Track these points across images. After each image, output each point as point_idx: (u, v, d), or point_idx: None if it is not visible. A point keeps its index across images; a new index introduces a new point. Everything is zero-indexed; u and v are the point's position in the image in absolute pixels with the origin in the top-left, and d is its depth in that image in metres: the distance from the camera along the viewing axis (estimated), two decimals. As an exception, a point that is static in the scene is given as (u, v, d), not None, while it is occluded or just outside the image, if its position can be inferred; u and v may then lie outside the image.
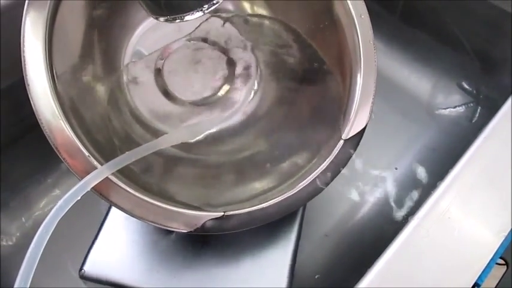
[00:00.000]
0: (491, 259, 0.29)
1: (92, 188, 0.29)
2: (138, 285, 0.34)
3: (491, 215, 0.31)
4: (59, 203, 0.27)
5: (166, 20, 0.30)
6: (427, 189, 0.43)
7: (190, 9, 0.29)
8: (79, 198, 0.27)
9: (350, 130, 0.33)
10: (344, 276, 0.47)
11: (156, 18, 0.30)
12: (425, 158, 0.52)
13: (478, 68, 0.52)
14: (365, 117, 0.34)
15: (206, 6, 0.28)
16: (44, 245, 0.26)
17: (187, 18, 0.29)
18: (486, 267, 0.28)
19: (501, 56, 0.50)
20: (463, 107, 0.54)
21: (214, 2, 0.28)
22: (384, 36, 0.56)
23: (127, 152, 0.30)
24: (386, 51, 0.56)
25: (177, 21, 0.30)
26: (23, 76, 0.30)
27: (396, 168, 0.51)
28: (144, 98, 0.39)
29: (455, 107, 0.53)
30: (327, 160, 0.33)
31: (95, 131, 0.34)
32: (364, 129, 0.34)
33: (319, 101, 0.38)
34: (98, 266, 0.35)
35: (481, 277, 0.28)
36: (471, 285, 0.28)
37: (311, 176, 0.32)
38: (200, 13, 0.29)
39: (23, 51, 0.30)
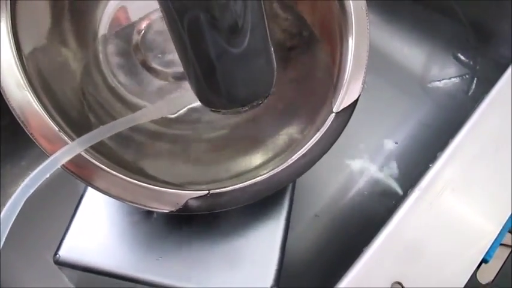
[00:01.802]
0: (499, 233, 0.27)
1: (63, 165, 0.27)
2: (118, 271, 0.32)
3: (497, 188, 0.29)
4: (24, 182, 0.25)
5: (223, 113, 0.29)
6: (421, 166, 0.41)
7: (248, 103, 0.28)
8: (47, 176, 0.25)
9: (341, 102, 0.32)
10: (335, 256, 0.46)
11: (212, 110, 0.29)
12: (418, 133, 0.50)
13: (474, 39, 0.50)
14: (357, 89, 0.32)
15: (261, 100, 0.28)
16: (9, 227, 0.24)
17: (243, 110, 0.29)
18: (494, 242, 0.26)
19: (498, 26, 0.48)
20: (459, 78, 0.52)
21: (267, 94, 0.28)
22: (376, 6, 0.54)
23: (101, 127, 0.28)
24: (377, 21, 0.55)
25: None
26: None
27: (396, 143, 0.49)
28: (122, 70, 0.37)
29: (450, 78, 0.52)
30: (316, 135, 0.31)
31: (67, 106, 0.32)
32: (356, 101, 0.32)
33: (308, 71, 0.37)
34: (74, 251, 0.33)
35: (489, 252, 0.26)
36: (479, 261, 0.26)
37: (300, 151, 0.30)
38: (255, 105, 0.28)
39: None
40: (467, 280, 0.26)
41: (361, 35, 0.33)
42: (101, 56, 0.37)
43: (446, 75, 0.53)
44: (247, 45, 0.25)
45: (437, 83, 0.52)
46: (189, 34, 0.24)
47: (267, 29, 0.26)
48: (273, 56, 0.28)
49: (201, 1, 0.22)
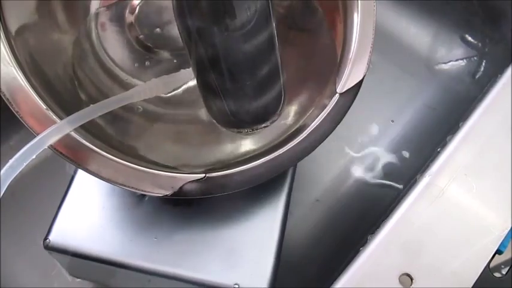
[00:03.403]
0: (515, 221, 0.25)
1: (52, 146, 0.26)
2: (109, 257, 0.31)
3: (510, 173, 0.28)
4: (9, 163, 0.23)
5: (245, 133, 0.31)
6: (426, 150, 0.40)
7: (264, 121, 0.30)
8: (34, 157, 0.24)
9: (346, 83, 0.30)
10: (335, 242, 0.45)
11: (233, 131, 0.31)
12: (424, 116, 0.49)
13: (482, 20, 0.49)
14: (362, 68, 0.31)
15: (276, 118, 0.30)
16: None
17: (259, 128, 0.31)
18: (510, 231, 0.25)
19: (508, 7, 0.46)
20: (466, 60, 0.50)
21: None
22: (381, -15, 0.52)
23: (92, 105, 0.27)
24: (385, 1, 0.52)
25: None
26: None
27: (392, 121, 0.48)
28: (115, 48, 0.36)
29: (457, 60, 0.50)
30: (319, 116, 0.30)
31: (57, 85, 0.31)
32: (361, 82, 0.30)
33: (311, 51, 0.35)
34: (65, 236, 0.32)
35: (503, 243, 0.25)
36: (493, 252, 0.25)
37: (303, 133, 0.29)
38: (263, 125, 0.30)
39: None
40: (480, 272, 0.24)
41: (367, 11, 0.31)
42: (93, 32, 0.36)
43: (453, 56, 0.51)
44: (259, 71, 0.26)
45: (443, 65, 0.51)
46: (210, 61, 0.25)
47: (279, 55, 0.27)
48: (283, 81, 0.29)
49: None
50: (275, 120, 0.30)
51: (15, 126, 0.46)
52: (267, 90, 0.28)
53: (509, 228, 0.25)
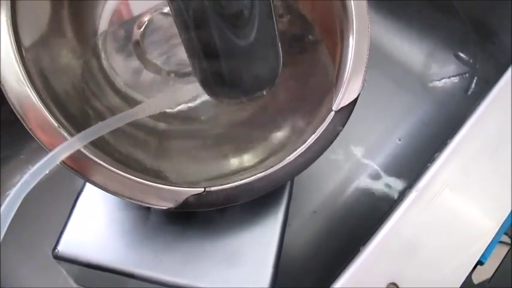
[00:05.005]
0: (496, 235, 0.27)
1: (62, 161, 0.27)
2: (116, 266, 0.32)
3: (494, 189, 0.29)
4: (24, 177, 0.25)
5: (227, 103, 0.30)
6: (420, 164, 0.41)
7: (252, 93, 0.28)
8: (47, 172, 0.25)
9: (341, 101, 0.31)
10: (332, 254, 0.46)
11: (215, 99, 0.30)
12: (418, 131, 0.50)
13: (474, 37, 0.50)
14: (357, 87, 0.32)
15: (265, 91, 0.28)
16: (9, 222, 0.24)
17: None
18: (490, 244, 0.26)
19: (498, 25, 0.48)
20: (458, 77, 0.52)
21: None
22: (375, 3, 0.54)
23: (100, 123, 0.28)
24: (378, 19, 0.54)
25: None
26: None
27: (400, 140, 0.49)
28: (122, 66, 0.37)
29: (450, 77, 0.52)
30: (316, 132, 0.31)
31: (67, 102, 0.32)
32: (356, 100, 0.32)
33: (308, 70, 0.36)
34: (73, 246, 0.33)
35: (484, 254, 0.26)
36: (474, 264, 0.26)
37: (300, 149, 0.30)
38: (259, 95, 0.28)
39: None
40: (462, 282, 0.26)
41: (362, 33, 0.32)
42: (101, 51, 0.37)
43: (446, 73, 0.52)
44: (253, 34, 0.25)
45: (437, 83, 0.52)
46: (195, 21, 0.24)
47: (275, 19, 0.26)
48: (280, 48, 0.27)
49: None
50: (270, 89, 0.28)
51: (25, 141, 0.48)
52: (262, 53, 0.27)
53: (490, 240, 0.27)
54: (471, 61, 0.51)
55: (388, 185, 0.48)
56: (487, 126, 0.32)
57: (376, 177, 0.49)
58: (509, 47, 0.47)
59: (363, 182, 0.49)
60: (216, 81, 0.27)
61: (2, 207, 0.24)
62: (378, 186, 0.48)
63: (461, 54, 0.52)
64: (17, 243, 0.42)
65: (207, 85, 0.28)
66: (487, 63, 0.50)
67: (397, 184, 0.48)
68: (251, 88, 0.28)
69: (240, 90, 0.28)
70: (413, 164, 0.48)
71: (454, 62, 0.52)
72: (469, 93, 0.51)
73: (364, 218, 0.47)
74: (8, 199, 0.24)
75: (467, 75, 0.51)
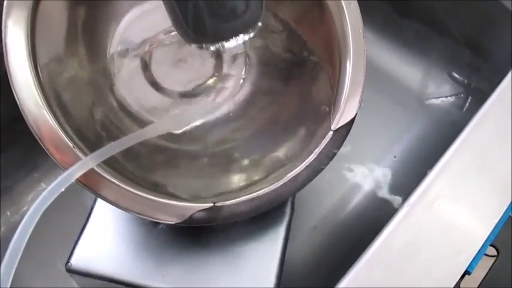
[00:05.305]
0: (482, 246, 0.28)
1: (77, 179, 0.28)
2: (126, 279, 0.34)
3: (481, 202, 0.31)
4: (42, 195, 0.26)
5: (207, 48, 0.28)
6: (418, 181, 0.43)
7: (233, 35, 0.27)
8: (63, 189, 0.27)
9: (339, 120, 0.33)
10: (332, 269, 0.47)
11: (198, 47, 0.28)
12: (416, 147, 0.52)
13: (468, 58, 0.52)
14: (354, 107, 0.34)
15: (254, 29, 0.27)
16: (27, 237, 0.25)
17: (227, 45, 0.27)
18: (477, 254, 0.28)
19: (491, 45, 0.50)
20: (454, 97, 0.53)
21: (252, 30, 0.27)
22: (374, 25, 0.56)
23: (112, 143, 0.29)
24: (377, 41, 0.56)
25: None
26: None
27: (395, 157, 0.51)
28: (131, 88, 0.38)
29: (446, 97, 0.53)
30: (315, 151, 0.32)
31: (80, 122, 0.34)
32: (353, 120, 0.33)
33: (308, 91, 0.38)
34: (85, 259, 0.34)
35: (471, 265, 0.28)
36: (461, 273, 0.28)
37: (300, 166, 0.32)
38: (240, 40, 0.27)
39: (5, 40, 0.29)
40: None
41: (358, 57, 0.34)
42: (111, 73, 0.38)
43: (442, 93, 0.54)
44: None
45: (434, 100, 0.54)
46: None
47: None
48: None
49: None
50: (253, 32, 0.27)
51: (40, 159, 0.50)
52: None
53: (477, 251, 0.28)
54: (465, 81, 0.53)
55: (386, 201, 0.49)
56: (475, 142, 0.33)
57: (374, 193, 0.50)
58: (503, 66, 0.49)
59: (362, 198, 0.50)
60: (197, 23, 0.26)
61: (22, 223, 0.25)
62: (376, 202, 0.49)
63: (456, 75, 0.53)
64: (29, 257, 0.43)
65: (182, 29, 0.27)
66: (480, 84, 0.52)
67: (395, 200, 0.49)
68: (233, 30, 0.26)
69: (221, 32, 0.26)
70: (411, 180, 0.49)
71: (449, 82, 0.54)
72: (464, 109, 0.52)
73: (363, 233, 0.47)
74: (27, 215, 0.26)
75: (462, 95, 0.53)
